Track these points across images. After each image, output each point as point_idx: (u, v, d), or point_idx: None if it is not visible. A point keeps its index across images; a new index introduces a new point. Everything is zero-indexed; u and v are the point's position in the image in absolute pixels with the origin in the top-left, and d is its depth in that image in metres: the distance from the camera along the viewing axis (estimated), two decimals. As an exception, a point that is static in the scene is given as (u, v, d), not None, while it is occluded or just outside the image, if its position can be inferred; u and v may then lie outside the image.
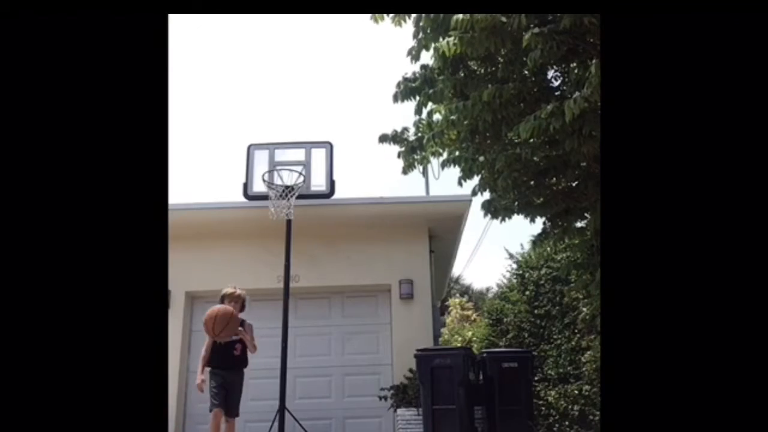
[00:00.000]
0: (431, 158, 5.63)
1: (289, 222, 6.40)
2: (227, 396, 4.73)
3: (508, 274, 9.98)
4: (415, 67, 5.05)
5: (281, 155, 7.11)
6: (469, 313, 14.96)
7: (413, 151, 5.35)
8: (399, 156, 5.42)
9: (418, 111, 5.14)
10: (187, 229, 6.93)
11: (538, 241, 6.15)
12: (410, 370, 6.51)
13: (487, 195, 5.53)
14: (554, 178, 5.31)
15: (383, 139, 5.51)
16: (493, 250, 19.12)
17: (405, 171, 5.47)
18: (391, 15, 4.64)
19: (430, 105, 5.08)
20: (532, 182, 5.20)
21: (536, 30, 3.74)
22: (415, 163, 5.43)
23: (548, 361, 7.84)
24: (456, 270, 19.15)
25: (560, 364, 7.72)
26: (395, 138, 5.49)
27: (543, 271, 8.51)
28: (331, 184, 7.08)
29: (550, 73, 5.00)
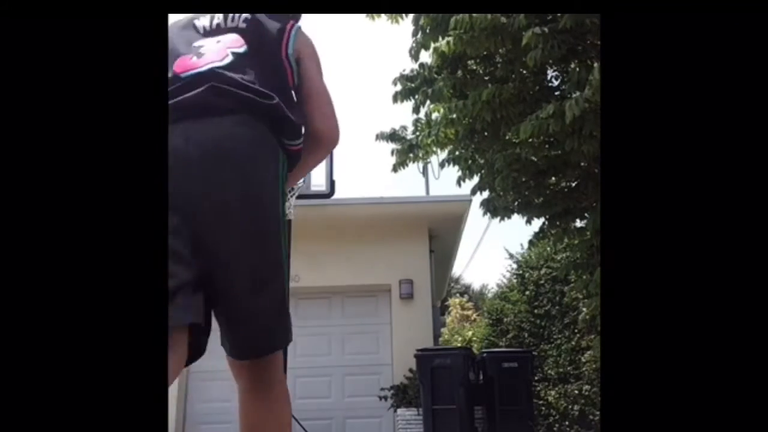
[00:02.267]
0: (429, 157, 5.63)
1: (289, 222, 6.40)
2: None
3: (508, 274, 9.99)
4: (414, 65, 5.06)
5: (281, 155, 7.10)
6: (469, 313, 14.95)
7: (410, 150, 5.35)
8: (393, 153, 5.41)
9: (416, 110, 5.14)
10: (187, 229, 6.91)
11: (535, 240, 6.16)
12: (410, 370, 6.51)
13: (486, 194, 5.53)
14: (554, 178, 5.31)
15: (380, 137, 5.51)
16: (493, 250, 19.13)
17: (395, 168, 5.46)
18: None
19: (428, 104, 5.08)
20: (531, 182, 5.20)
21: (537, 30, 3.73)
22: (409, 161, 5.42)
23: (548, 361, 7.84)
24: (456, 270, 19.13)
25: (560, 364, 7.72)
26: (393, 137, 5.49)
27: (543, 271, 8.51)
28: (331, 184, 7.07)
29: (550, 73, 5.00)
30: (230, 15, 1.40)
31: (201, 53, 1.32)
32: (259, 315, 1.27)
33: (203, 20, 1.42)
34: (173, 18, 1.48)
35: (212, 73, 1.26)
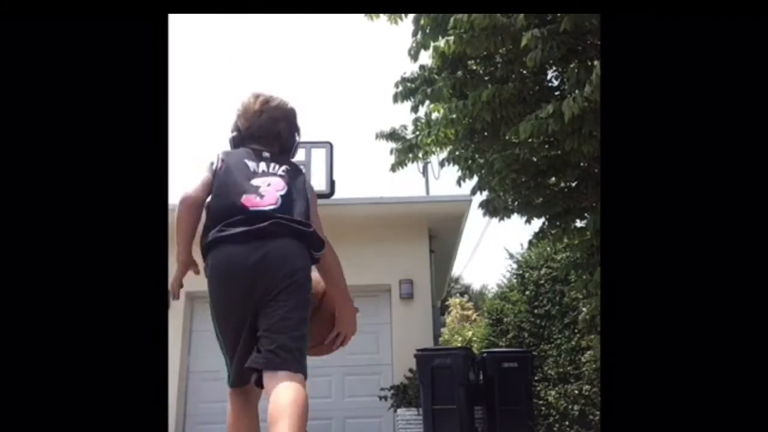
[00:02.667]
0: (429, 157, 5.61)
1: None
2: None
3: (508, 274, 9.98)
4: (415, 67, 5.06)
5: (281, 155, 7.10)
6: (469, 313, 14.95)
7: (410, 149, 5.34)
8: (392, 153, 5.40)
9: (415, 109, 5.13)
10: (187, 229, 6.90)
11: (535, 240, 6.15)
12: (410, 370, 6.51)
13: (486, 194, 5.52)
14: (554, 178, 5.31)
15: (380, 136, 5.50)
16: (493, 250, 19.15)
17: (394, 168, 5.44)
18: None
19: (428, 104, 5.07)
20: (531, 182, 5.20)
21: (536, 31, 3.73)
22: (408, 161, 5.41)
23: (548, 361, 7.84)
24: (456, 270, 19.12)
25: (560, 364, 7.72)
26: (392, 136, 5.48)
27: (543, 271, 8.51)
28: (331, 184, 7.07)
29: (550, 74, 5.00)
30: (271, 164, 2.17)
31: (261, 194, 2.06)
32: (280, 346, 1.89)
33: (252, 164, 2.15)
34: (225, 149, 2.26)
35: (272, 213, 2.01)
